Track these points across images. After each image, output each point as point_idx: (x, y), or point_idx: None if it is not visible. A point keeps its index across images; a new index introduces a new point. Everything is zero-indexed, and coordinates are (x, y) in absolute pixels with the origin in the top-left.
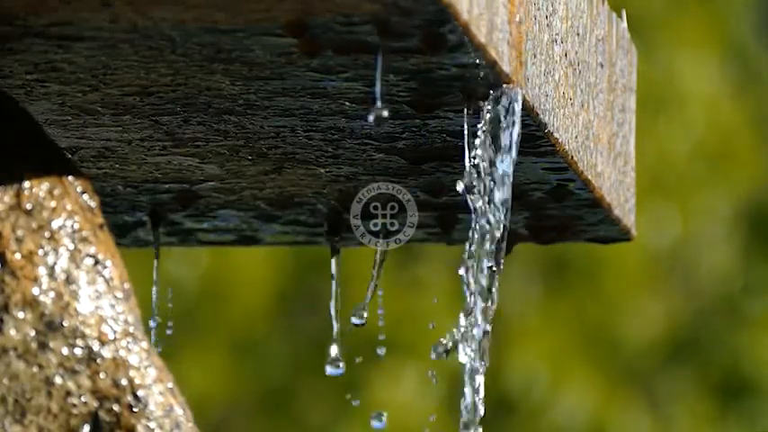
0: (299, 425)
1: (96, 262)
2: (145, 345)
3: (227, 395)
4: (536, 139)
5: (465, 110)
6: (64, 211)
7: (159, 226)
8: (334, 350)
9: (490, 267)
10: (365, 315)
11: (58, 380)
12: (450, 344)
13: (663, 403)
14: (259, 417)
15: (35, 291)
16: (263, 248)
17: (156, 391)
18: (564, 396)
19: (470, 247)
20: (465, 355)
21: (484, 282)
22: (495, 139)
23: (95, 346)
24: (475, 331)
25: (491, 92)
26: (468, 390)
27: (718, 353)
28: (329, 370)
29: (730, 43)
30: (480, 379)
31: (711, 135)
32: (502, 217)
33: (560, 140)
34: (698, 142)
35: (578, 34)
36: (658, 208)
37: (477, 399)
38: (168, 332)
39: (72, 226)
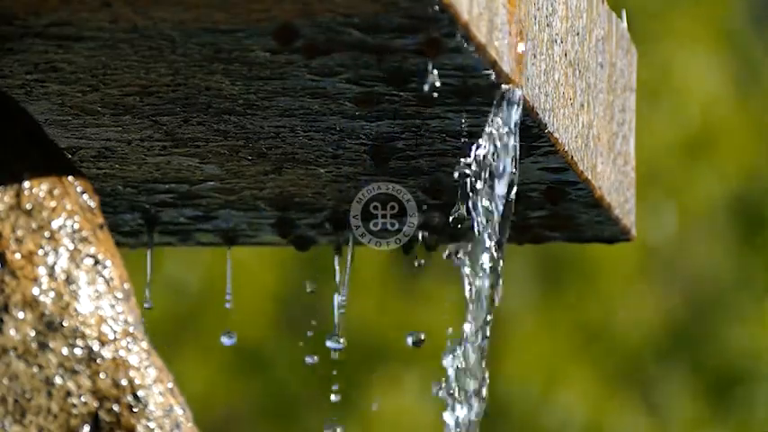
0: (301, 428)
1: (96, 262)
2: (145, 345)
3: (229, 398)
4: (536, 139)
5: (465, 110)
6: (64, 211)
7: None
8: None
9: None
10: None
11: (58, 380)
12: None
13: (659, 402)
14: (261, 419)
15: (35, 291)
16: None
17: (156, 391)
18: (560, 396)
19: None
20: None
21: (486, 282)
22: (495, 140)
23: (95, 347)
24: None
25: (491, 92)
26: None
27: (713, 348)
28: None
29: (726, 36)
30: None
31: (706, 128)
32: (501, 216)
33: (560, 140)
34: (693, 136)
35: (578, 34)
36: (653, 202)
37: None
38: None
39: (72, 226)
